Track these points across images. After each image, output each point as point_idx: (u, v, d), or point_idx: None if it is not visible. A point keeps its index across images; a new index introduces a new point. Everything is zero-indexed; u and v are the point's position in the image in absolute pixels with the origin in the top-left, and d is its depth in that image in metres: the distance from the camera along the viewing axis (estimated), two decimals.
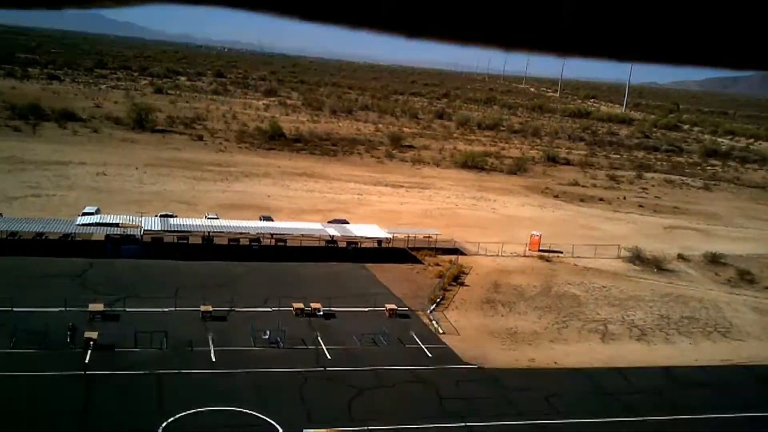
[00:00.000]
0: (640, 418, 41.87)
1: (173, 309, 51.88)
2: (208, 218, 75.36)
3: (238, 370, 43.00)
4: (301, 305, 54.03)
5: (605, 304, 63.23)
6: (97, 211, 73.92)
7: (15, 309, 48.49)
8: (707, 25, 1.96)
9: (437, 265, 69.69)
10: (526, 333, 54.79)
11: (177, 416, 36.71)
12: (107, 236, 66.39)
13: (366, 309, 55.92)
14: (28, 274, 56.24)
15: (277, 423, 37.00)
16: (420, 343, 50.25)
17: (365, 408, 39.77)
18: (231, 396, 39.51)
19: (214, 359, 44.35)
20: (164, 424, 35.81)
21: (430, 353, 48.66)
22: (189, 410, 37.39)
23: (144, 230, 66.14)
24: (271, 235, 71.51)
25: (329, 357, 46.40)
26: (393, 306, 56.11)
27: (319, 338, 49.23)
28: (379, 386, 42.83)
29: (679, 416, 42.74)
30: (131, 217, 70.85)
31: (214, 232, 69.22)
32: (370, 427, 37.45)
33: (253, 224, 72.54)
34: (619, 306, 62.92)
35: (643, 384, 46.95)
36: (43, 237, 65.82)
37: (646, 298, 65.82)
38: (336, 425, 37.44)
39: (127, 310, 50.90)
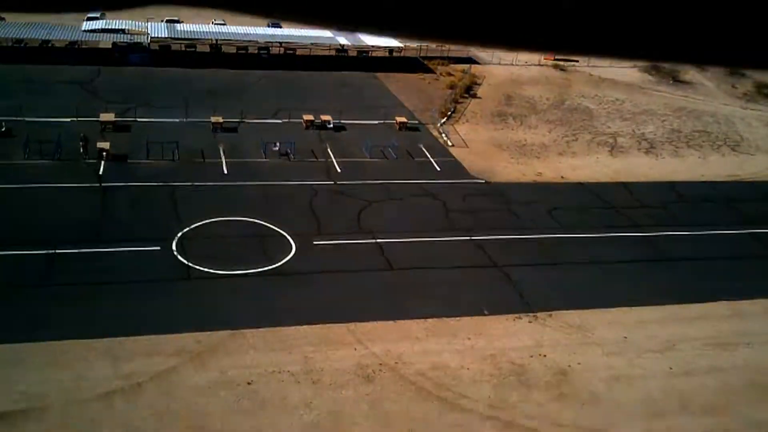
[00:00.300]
0: (642, 234, 42.91)
1: (183, 120, 52.00)
2: (215, 24, 73.30)
3: (250, 182, 43.84)
4: (311, 117, 53.90)
5: (617, 117, 62.73)
6: (102, 15, 71.93)
7: (26, 119, 48.62)
8: None
9: (450, 74, 68.56)
10: (536, 146, 54.94)
11: (191, 226, 37.95)
12: (114, 44, 65.13)
13: (376, 122, 55.82)
14: (37, 81, 55.87)
15: (288, 234, 38.24)
16: (429, 156, 50.63)
17: (373, 220, 40.87)
18: (243, 207, 40.55)
19: (225, 171, 45.07)
20: (179, 234, 37.08)
21: (439, 166, 49.17)
22: (202, 221, 38.59)
23: (151, 38, 64.68)
24: (280, 43, 69.84)
25: (339, 170, 47.03)
26: (403, 119, 55.92)
27: (329, 150, 49.63)
28: (388, 199, 43.73)
29: (681, 232, 43.75)
30: (138, 23, 69.08)
31: (222, 40, 67.61)
32: (377, 240, 38.72)
33: (261, 32, 70.55)
34: (631, 120, 62.44)
35: (647, 199, 47.65)
36: (50, 44, 64.64)
37: (659, 112, 65.11)
38: (344, 237, 38.73)
39: (138, 120, 51.05)
